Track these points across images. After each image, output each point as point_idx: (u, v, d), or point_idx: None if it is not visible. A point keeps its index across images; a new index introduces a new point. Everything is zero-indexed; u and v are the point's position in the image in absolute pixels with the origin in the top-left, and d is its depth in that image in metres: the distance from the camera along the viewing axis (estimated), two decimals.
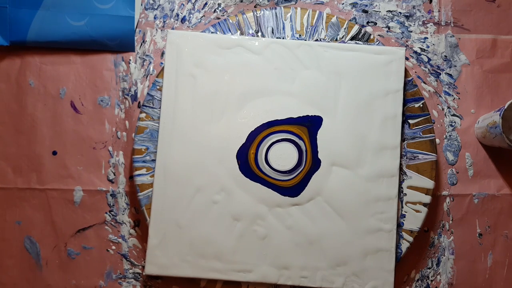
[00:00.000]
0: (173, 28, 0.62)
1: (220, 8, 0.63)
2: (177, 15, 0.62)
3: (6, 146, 0.60)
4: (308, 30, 0.60)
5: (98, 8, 0.60)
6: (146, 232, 0.57)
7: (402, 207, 0.58)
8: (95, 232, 0.59)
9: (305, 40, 0.60)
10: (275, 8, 0.61)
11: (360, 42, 0.60)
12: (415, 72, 0.62)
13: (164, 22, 0.62)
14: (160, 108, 0.58)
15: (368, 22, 0.63)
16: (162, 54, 0.62)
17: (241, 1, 0.63)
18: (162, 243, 0.56)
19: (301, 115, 0.58)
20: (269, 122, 0.58)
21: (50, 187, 0.60)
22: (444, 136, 0.61)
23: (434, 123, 0.61)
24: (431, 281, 0.60)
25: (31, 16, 0.60)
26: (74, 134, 0.61)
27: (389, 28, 0.63)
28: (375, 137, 0.57)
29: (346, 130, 0.58)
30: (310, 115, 0.58)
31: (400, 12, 0.63)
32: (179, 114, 0.57)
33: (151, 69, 0.61)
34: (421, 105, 0.59)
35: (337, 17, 0.61)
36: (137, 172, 0.58)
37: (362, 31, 0.60)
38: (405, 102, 0.59)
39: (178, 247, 0.56)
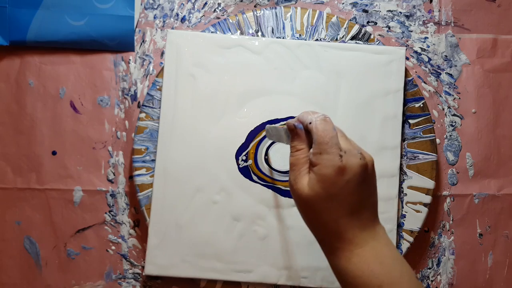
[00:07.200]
0: (173, 28, 0.62)
1: (220, 8, 0.62)
2: (177, 14, 0.62)
3: (5, 146, 0.60)
4: (308, 29, 0.60)
5: (97, 8, 0.60)
6: (146, 232, 0.56)
7: (403, 207, 0.58)
8: (94, 232, 0.59)
9: (305, 40, 0.60)
10: (275, 8, 0.61)
11: (360, 42, 0.60)
12: (416, 72, 0.62)
13: (164, 21, 0.62)
14: (160, 108, 0.58)
15: (368, 22, 0.63)
16: (162, 54, 0.62)
17: (241, 1, 0.62)
18: (162, 243, 0.56)
19: None
20: (269, 121, 0.58)
21: (50, 187, 0.60)
22: (445, 136, 0.61)
23: (434, 123, 0.61)
24: (432, 281, 0.60)
25: (30, 16, 0.60)
26: (73, 134, 0.60)
27: (389, 27, 0.62)
28: (375, 137, 0.57)
29: (346, 130, 0.57)
30: None
31: (400, 12, 0.63)
32: (179, 114, 0.57)
33: (151, 69, 0.61)
34: (422, 105, 0.59)
35: (337, 17, 0.60)
36: (136, 172, 0.57)
37: (362, 31, 0.60)
38: (405, 102, 0.59)
39: (178, 247, 0.56)
